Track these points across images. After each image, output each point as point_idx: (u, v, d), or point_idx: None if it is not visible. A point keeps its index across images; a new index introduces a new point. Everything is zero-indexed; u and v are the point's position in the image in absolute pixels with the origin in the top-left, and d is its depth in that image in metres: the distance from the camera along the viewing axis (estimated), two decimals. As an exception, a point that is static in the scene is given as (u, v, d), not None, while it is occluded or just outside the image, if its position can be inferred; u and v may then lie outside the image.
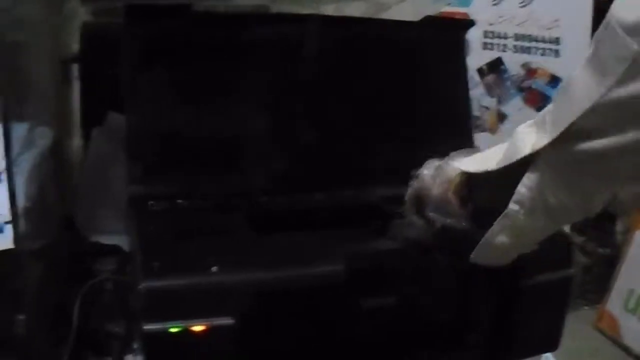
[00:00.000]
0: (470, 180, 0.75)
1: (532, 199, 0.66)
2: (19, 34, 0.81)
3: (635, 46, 0.53)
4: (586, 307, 2.34)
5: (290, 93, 1.05)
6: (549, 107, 0.66)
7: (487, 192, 0.74)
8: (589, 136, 0.60)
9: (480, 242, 0.73)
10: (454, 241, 0.79)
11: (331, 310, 0.79)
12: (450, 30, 1.16)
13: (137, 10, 0.94)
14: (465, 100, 1.17)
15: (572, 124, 0.60)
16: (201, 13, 1.00)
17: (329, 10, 1.31)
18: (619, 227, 2.44)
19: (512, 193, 0.68)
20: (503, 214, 0.69)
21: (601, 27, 0.58)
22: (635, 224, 2.17)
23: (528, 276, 0.86)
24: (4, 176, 1.21)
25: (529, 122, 0.69)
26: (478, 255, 0.74)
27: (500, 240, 0.71)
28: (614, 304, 2.17)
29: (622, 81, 0.55)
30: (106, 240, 1.12)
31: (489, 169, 0.71)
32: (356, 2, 1.28)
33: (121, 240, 1.11)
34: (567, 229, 2.19)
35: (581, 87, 0.59)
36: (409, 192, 0.83)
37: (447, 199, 0.77)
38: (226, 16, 1.17)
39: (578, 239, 2.43)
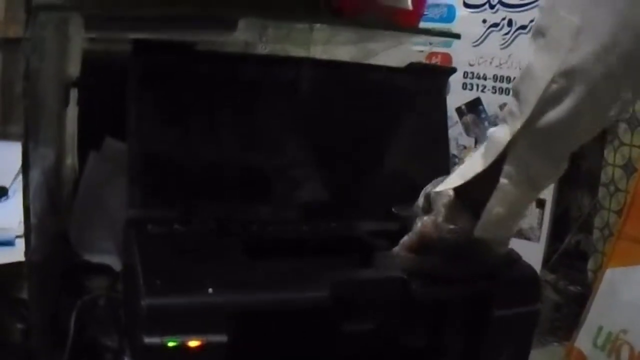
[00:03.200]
0: (457, 198, 0.83)
1: (518, 173, 0.75)
2: (37, 60, 0.86)
3: (576, 22, 0.66)
4: (555, 344, 2.35)
5: (281, 128, 1.11)
6: (510, 100, 0.76)
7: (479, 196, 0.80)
8: (552, 106, 0.70)
9: (482, 217, 0.80)
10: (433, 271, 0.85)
11: (315, 331, 0.84)
12: (433, 77, 1.24)
13: (144, 45, 1.00)
14: (444, 140, 1.24)
15: (539, 100, 0.70)
16: (203, 51, 1.07)
17: (318, 51, 1.38)
18: (591, 265, 2.47)
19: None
20: (496, 188, 0.77)
21: (544, 16, 0.71)
22: (607, 262, 2.19)
23: (496, 308, 0.92)
24: (11, 192, 1.26)
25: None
26: (480, 230, 0.81)
27: (497, 211, 0.78)
28: (583, 340, 2.16)
29: (573, 49, 0.67)
30: (96, 259, 1.16)
31: (478, 172, 0.79)
32: (346, 46, 1.35)
33: (110, 260, 1.15)
34: (538, 267, 2.24)
35: (540, 66, 0.70)
36: (412, 237, 0.88)
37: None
38: (226, 55, 1.23)
39: (549, 277, 2.46)
